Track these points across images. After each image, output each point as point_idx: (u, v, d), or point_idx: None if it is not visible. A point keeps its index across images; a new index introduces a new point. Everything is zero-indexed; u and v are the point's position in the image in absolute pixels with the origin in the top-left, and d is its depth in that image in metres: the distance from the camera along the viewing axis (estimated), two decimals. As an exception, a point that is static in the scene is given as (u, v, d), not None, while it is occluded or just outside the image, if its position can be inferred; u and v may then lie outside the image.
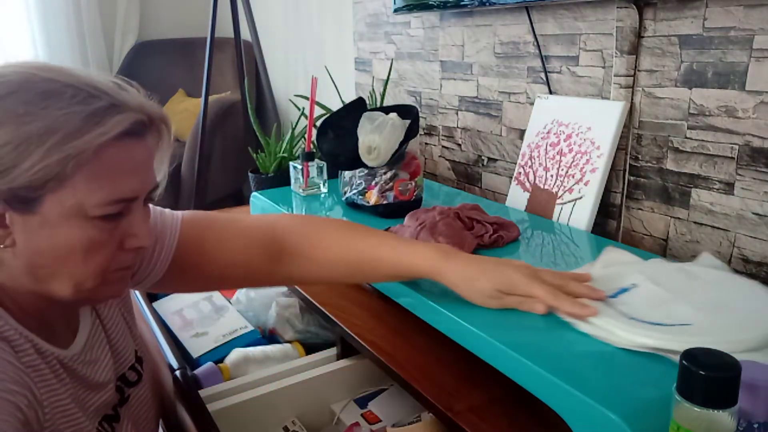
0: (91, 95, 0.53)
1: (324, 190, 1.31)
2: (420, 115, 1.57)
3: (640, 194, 1.06)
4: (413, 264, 0.72)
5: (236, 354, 1.02)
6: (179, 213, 0.75)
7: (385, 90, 1.60)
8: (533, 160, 1.18)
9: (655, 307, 0.67)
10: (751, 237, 0.91)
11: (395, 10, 1.49)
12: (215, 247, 0.75)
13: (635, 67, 1.03)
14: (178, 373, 0.90)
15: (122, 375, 0.68)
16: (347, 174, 1.16)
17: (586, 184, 1.06)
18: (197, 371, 0.96)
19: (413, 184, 1.12)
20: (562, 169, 1.11)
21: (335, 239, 0.76)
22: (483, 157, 1.42)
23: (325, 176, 1.31)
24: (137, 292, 1.20)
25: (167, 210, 0.75)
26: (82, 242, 0.54)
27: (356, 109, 1.15)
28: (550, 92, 1.20)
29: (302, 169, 1.28)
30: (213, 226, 0.76)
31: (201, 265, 0.74)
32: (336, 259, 0.75)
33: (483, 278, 0.69)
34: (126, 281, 0.62)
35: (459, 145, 1.49)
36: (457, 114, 1.48)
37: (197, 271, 0.75)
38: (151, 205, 0.73)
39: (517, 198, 1.20)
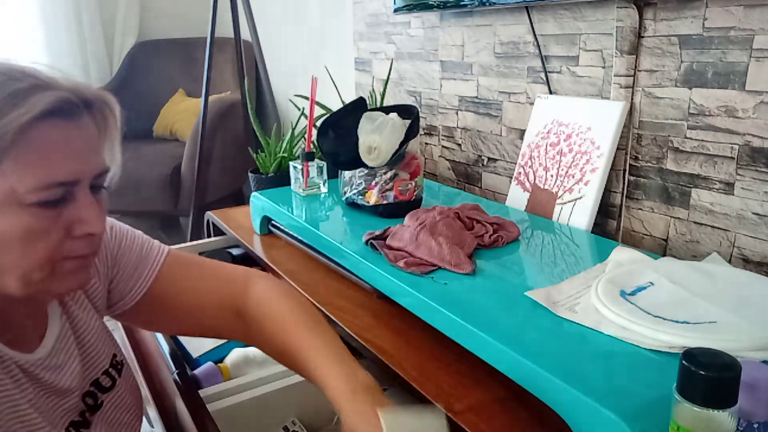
0: (11, 78, 0.51)
1: (324, 190, 1.31)
2: (420, 115, 1.57)
3: (640, 194, 1.06)
4: (325, 384, 0.66)
5: (236, 354, 1.02)
6: (166, 246, 0.75)
7: (385, 90, 1.60)
8: (533, 160, 1.18)
9: (677, 305, 0.67)
10: (751, 237, 0.91)
11: (395, 10, 1.49)
12: (194, 284, 0.75)
13: (635, 67, 1.03)
14: (177, 373, 0.90)
15: (95, 380, 0.66)
16: (347, 174, 1.16)
17: (586, 184, 1.06)
18: (197, 371, 0.96)
19: (413, 184, 1.12)
20: (562, 169, 1.11)
21: (285, 324, 0.73)
22: (483, 157, 1.42)
23: (325, 176, 1.31)
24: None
25: (156, 241, 0.75)
26: (19, 231, 0.51)
27: (357, 108, 1.15)
28: (550, 92, 1.20)
29: (302, 169, 1.28)
30: (198, 263, 0.77)
31: (175, 299, 0.74)
32: (278, 342, 0.72)
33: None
34: (85, 272, 0.58)
35: (459, 145, 1.49)
36: (457, 114, 1.48)
37: (170, 306, 0.74)
38: (141, 233, 0.74)
39: (517, 198, 1.20)
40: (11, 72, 0.52)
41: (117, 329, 1.21)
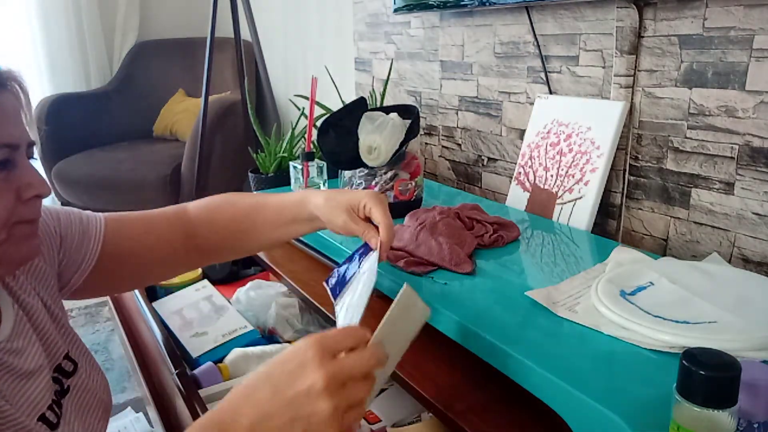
0: None
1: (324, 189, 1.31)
2: (420, 115, 1.57)
3: (640, 194, 1.06)
4: (290, 199, 0.81)
5: (236, 354, 1.02)
6: (101, 214, 0.78)
7: (385, 90, 1.60)
8: (533, 160, 1.18)
9: (677, 305, 0.67)
10: (751, 237, 0.91)
11: (395, 10, 1.49)
12: (141, 232, 0.79)
13: (635, 67, 1.03)
14: (177, 373, 0.90)
15: (58, 366, 0.67)
16: (347, 174, 1.16)
17: (586, 184, 1.06)
18: (197, 371, 0.96)
19: (413, 184, 1.12)
20: (562, 169, 1.11)
21: (231, 200, 0.84)
22: (483, 157, 1.42)
23: (325, 176, 1.31)
24: (137, 292, 1.20)
25: (89, 211, 0.78)
26: None
27: (357, 108, 1.15)
28: (550, 92, 1.20)
29: (302, 169, 1.28)
30: (137, 216, 0.81)
31: (127, 257, 0.77)
32: (231, 214, 0.83)
33: (339, 195, 0.76)
34: (36, 239, 0.61)
35: (459, 145, 1.49)
36: (457, 114, 1.48)
37: (124, 264, 0.77)
38: (72, 209, 0.77)
39: (517, 198, 1.20)
40: None
41: (117, 328, 1.21)
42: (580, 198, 1.07)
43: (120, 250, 0.76)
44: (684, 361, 0.44)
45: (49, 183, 0.62)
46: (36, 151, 0.62)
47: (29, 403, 0.60)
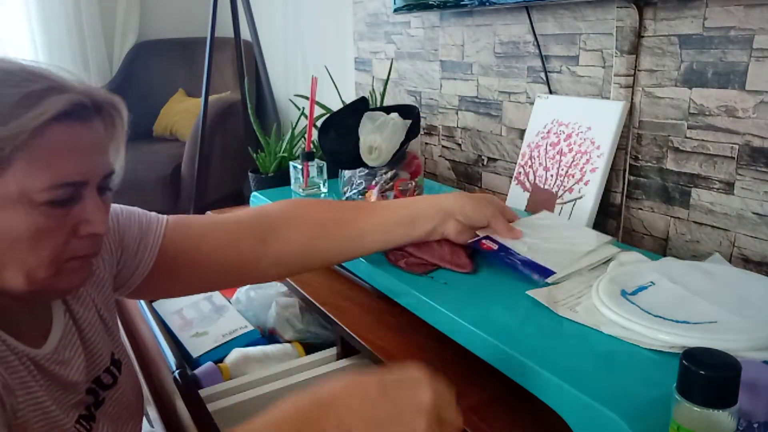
0: (26, 79, 0.52)
1: (324, 189, 1.31)
2: (420, 114, 1.57)
3: (640, 194, 1.06)
4: (393, 203, 0.79)
5: (236, 354, 1.02)
6: (164, 216, 0.76)
7: (385, 90, 1.60)
8: (533, 160, 1.18)
9: (678, 305, 0.67)
10: (751, 237, 0.91)
11: (395, 10, 1.49)
12: (204, 234, 0.76)
13: (635, 66, 1.03)
14: (177, 372, 0.90)
15: (97, 378, 0.67)
16: (347, 173, 1.16)
17: (586, 184, 1.06)
18: (197, 371, 0.96)
19: (413, 183, 1.12)
20: (562, 169, 1.11)
21: (317, 210, 0.81)
22: (483, 157, 1.42)
23: (325, 176, 1.31)
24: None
25: (152, 212, 0.76)
26: (29, 229, 0.52)
27: (358, 108, 1.15)
28: (550, 92, 1.20)
29: (302, 169, 1.28)
30: (202, 219, 0.78)
31: (190, 254, 0.75)
32: (323, 211, 0.80)
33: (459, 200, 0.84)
34: (86, 271, 0.60)
35: (459, 144, 1.49)
36: (457, 114, 1.48)
37: (187, 263, 0.75)
38: (135, 209, 0.75)
39: (517, 198, 1.20)
40: (24, 73, 0.52)
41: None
42: (580, 198, 1.07)
43: (177, 253, 0.74)
44: (684, 361, 0.44)
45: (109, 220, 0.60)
46: (112, 181, 0.60)
47: (69, 409, 0.60)
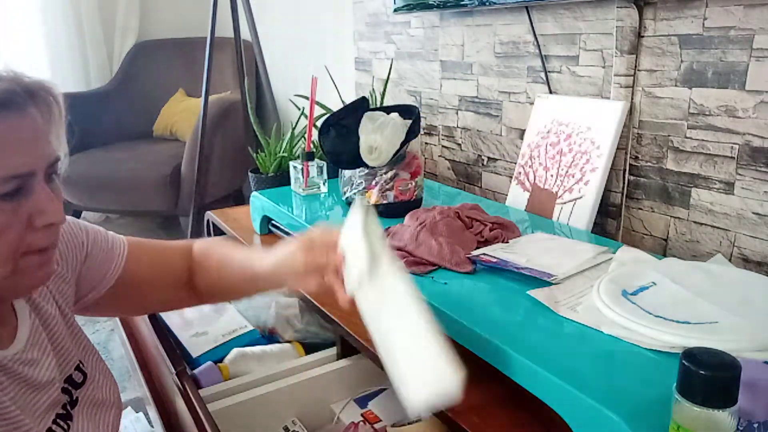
0: None
1: (324, 189, 1.31)
2: (420, 114, 1.57)
3: (640, 194, 1.06)
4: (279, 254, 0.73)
5: (236, 354, 1.01)
6: (123, 237, 0.79)
7: (385, 90, 1.60)
8: (533, 160, 1.18)
9: (679, 305, 0.67)
10: (751, 237, 0.91)
11: (395, 10, 1.49)
12: (157, 259, 0.80)
13: (635, 66, 1.03)
14: (177, 372, 0.90)
15: (68, 377, 0.66)
16: (347, 173, 1.16)
17: (586, 184, 1.06)
18: (197, 371, 0.96)
19: (413, 183, 1.12)
20: (562, 169, 1.11)
21: (223, 250, 0.82)
22: (483, 157, 1.42)
23: (325, 176, 1.31)
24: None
25: (111, 232, 0.78)
26: None
27: (358, 108, 1.15)
28: (550, 92, 1.20)
29: (302, 169, 1.28)
30: (154, 244, 0.82)
31: (140, 285, 0.78)
32: (223, 265, 0.80)
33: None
34: (49, 266, 0.58)
35: (459, 144, 1.49)
36: (457, 114, 1.48)
37: (136, 291, 0.78)
38: (99, 227, 0.76)
39: (517, 198, 1.20)
40: None
41: (117, 328, 1.21)
42: (580, 198, 1.07)
43: (135, 275, 0.76)
44: (684, 361, 0.44)
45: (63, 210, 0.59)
46: (59, 168, 0.59)
47: (38, 416, 0.59)
